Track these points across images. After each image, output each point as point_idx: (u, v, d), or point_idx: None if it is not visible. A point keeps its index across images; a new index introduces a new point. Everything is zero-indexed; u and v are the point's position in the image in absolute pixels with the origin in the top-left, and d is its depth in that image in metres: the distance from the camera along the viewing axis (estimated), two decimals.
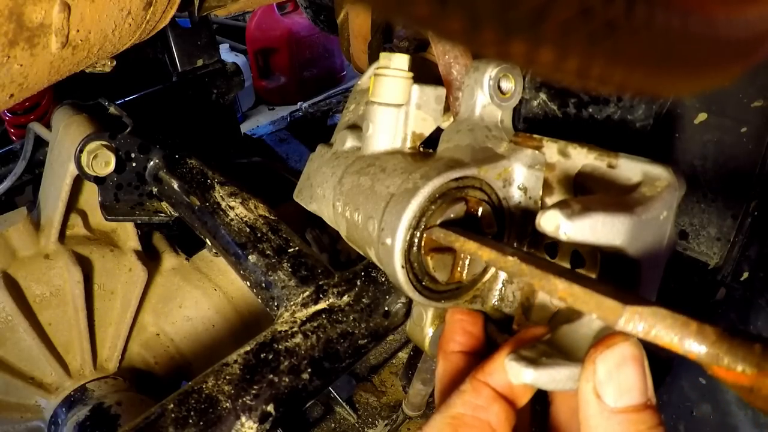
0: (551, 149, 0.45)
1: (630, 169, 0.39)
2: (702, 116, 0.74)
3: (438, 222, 0.43)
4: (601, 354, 0.32)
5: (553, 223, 0.33)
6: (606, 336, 0.33)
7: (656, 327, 0.27)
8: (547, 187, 0.46)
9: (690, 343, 0.26)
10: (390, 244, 0.43)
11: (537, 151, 0.45)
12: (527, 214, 0.46)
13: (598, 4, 0.21)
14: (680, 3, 0.25)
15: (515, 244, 0.47)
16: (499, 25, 0.20)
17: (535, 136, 0.46)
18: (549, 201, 0.47)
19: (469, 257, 0.45)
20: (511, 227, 0.46)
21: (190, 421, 0.50)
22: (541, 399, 0.42)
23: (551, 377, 0.34)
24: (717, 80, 0.32)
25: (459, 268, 0.45)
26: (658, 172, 0.38)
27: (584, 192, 0.44)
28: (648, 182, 0.38)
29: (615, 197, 0.37)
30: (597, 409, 0.32)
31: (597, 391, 0.32)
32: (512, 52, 0.21)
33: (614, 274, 0.39)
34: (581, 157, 0.43)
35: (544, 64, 0.22)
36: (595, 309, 0.28)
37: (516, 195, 0.46)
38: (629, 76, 0.26)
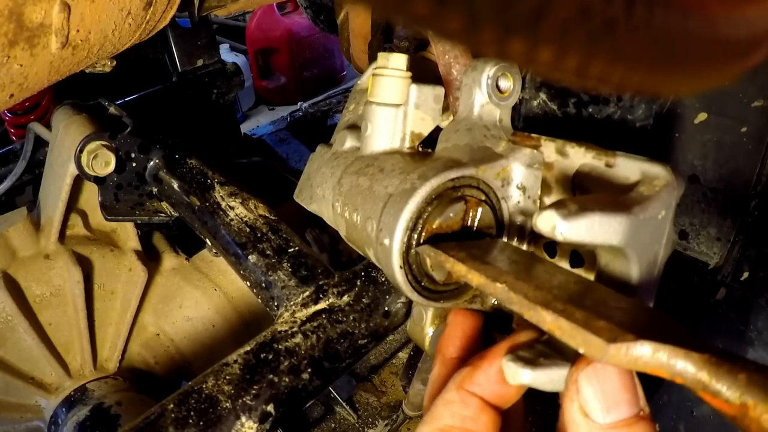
0: (549, 148, 0.45)
1: (628, 168, 0.39)
2: (702, 116, 0.74)
3: (435, 223, 0.43)
4: (584, 371, 0.31)
5: (549, 223, 0.33)
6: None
7: (641, 359, 0.27)
8: (545, 186, 0.46)
9: (675, 372, 0.27)
10: (388, 245, 0.43)
11: (535, 150, 0.45)
12: (526, 214, 0.46)
13: (598, 2, 0.21)
14: (680, 2, 0.25)
15: (515, 242, 0.47)
16: (498, 24, 0.20)
17: (533, 135, 0.46)
18: (547, 200, 0.47)
19: None
20: (509, 227, 0.46)
21: (190, 421, 0.50)
22: (541, 399, 0.42)
23: (549, 377, 0.34)
24: (717, 80, 0.32)
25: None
26: (657, 171, 0.37)
27: (583, 191, 0.43)
28: (646, 181, 0.37)
29: (612, 196, 0.37)
30: (586, 428, 0.31)
31: (583, 410, 0.31)
32: (511, 51, 0.21)
33: (612, 274, 0.38)
34: (579, 156, 0.43)
35: (544, 63, 0.22)
36: (582, 345, 0.28)
37: (515, 194, 0.46)
38: (629, 76, 0.26)
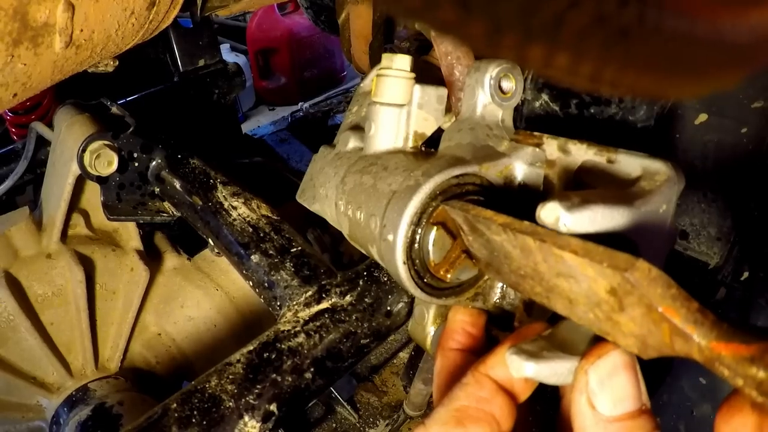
0: (551, 146, 0.45)
1: (629, 164, 0.39)
2: (702, 117, 0.74)
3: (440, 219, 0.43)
4: (593, 364, 0.32)
5: (553, 214, 0.33)
6: (596, 345, 0.33)
7: (664, 286, 0.27)
8: (547, 183, 0.47)
9: (692, 314, 0.27)
10: (392, 241, 0.43)
11: (537, 149, 0.46)
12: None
13: (613, 11, 0.21)
14: (688, 9, 0.25)
15: None
16: (520, 30, 0.20)
17: (535, 133, 0.46)
18: None
19: (462, 259, 0.45)
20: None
21: (193, 420, 0.50)
22: (542, 399, 0.42)
23: (553, 370, 0.34)
24: (721, 83, 0.33)
25: (450, 265, 0.45)
26: (657, 166, 0.38)
27: (585, 188, 0.44)
28: (647, 177, 0.38)
29: (614, 191, 0.38)
30: (593, 420, 0.32)
31: (591, 402, 0.32)
32: (530, 57, 0.22)
33: None
34: (581, 153, 0.43)
35: (560, 69, 0.23)
36: (607, 259, 0.28)
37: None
38: (639, 80, 0.26)
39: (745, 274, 0.80)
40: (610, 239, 0.37)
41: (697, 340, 0.27)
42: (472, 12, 0.20)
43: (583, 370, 0.33)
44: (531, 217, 0.36)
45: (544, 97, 0.78)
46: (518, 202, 0.47)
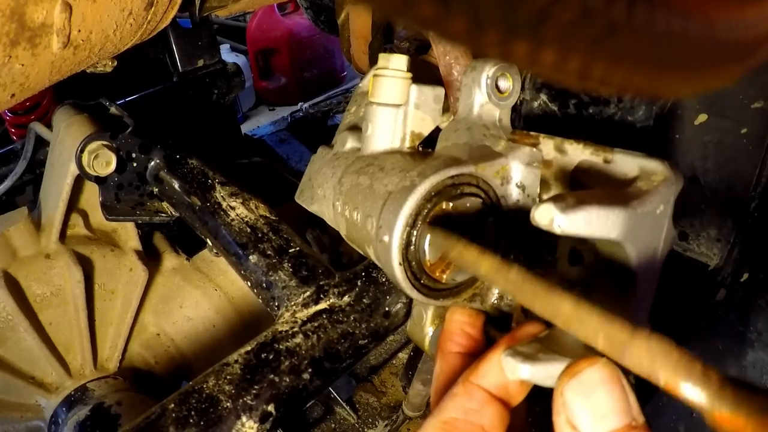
0: (548, 146, 0.45)
1: (626, 164, 0.39)
2: (702, 117, 0.74)
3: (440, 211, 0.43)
4: (568, 383, 0.31)
5: (547, 216, 0.33)
6: (573, 363, 0.32)
7: (662, 361, 0.26)
8: (544, 183, 0.46)
9: (697, 384, 0.25)
10: (387, 242, 0.43)
11: (534, 149, 0.46)
12: (525, 212, 0.46)
13: (600, 5, 0.21)
14: (680, 5, 0.25)
15: (511, 250, 0.47)
16: (502, 26, 0.20)
17: (531, 133, 0.46)
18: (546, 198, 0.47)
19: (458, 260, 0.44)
20: (508, 225, 0.47)
21: (191, 420, 0.50)
22: (541, 400, 0.42)
23: (548, 373, 0.33)
24: (717, 81, 0.32)
25: (446, 266, 0.45)
26: (654, 166, 0.37)
27: (581, 188, 0.44)
28: (644, 177, 0.37)
29: (611, 191, 0.37)
30: None
31: (571, 423, 0.30)
32: (515, 53, 0.21)
33: (612, 269, 0.38)
34: (577, 153, 0.43)
35: (546, 65, 0.22)
36: (602, 329, 0.27)
37: (514, 193, 0.46)
38: (630, 77, 0.26)
39: (745, 276, 0.80)
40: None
41: (700, 405, 0.25)
42: (451, 7, 0.19)
43: (559, 390, 0.31)
44: (526, 218, 0.35)
45: (543, 96, 0.78)
46: (514, 202, 0.47)
